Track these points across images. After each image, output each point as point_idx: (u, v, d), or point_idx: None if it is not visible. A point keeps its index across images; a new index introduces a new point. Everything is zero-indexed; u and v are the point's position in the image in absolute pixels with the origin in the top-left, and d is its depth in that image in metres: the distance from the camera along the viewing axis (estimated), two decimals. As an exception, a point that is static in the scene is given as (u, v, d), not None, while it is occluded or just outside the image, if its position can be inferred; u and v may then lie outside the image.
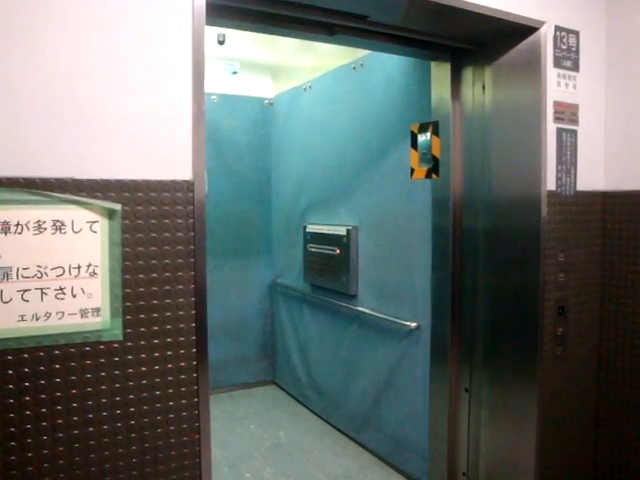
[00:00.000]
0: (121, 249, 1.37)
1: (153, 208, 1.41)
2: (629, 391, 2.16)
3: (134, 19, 1.36)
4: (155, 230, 1.41)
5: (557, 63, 2.05)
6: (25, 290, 1.27)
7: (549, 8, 2.02)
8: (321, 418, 3.60)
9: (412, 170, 2.59)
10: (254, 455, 3.12)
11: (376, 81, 2.90)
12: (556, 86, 2.04)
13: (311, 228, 3.57)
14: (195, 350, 1.48)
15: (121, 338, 1.38)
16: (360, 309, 3.08)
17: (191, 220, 1.46)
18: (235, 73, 3.88)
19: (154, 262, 1.42)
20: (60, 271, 1.31)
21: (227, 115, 4.00)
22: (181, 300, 1.46)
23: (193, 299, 1.47)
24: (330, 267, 3.34)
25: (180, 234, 1.45)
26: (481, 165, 2.22)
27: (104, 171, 1.35)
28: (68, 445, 1.34)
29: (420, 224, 2.57)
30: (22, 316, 1.27)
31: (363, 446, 3.16)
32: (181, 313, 1.46)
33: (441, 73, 2.34)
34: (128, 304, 1.39)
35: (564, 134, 2.08)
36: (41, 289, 1.29)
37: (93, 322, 1.35)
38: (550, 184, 2.03)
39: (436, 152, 2.40)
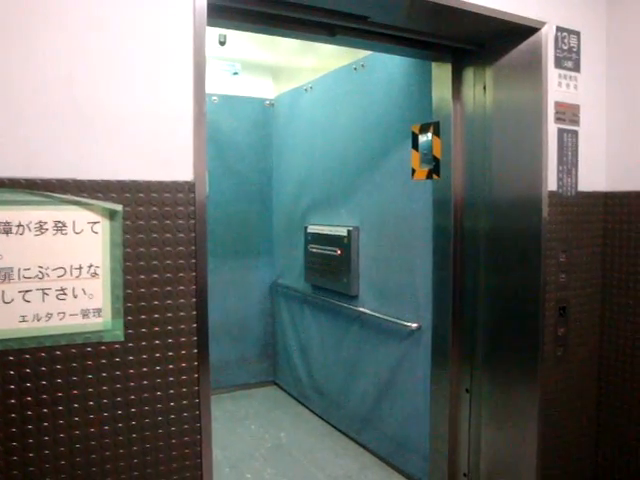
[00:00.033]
0: (122, 250, 1.38)
1: (154, 209, 1.41)
2: (630, 392, 2.16)
3: (136, 19, 1.37)
4: (156, 231, 1.42)
5: (558, 63, 2.05)
6: (26, 291, 1.28)
7: (550, 9, 2.02)
8: (322, 419, 3.60)
9: (413, 171, 2.59)
10: (255, 456, 3.12)
11: (377, 82, 2.90)
12: (557, 86, 2.04)
13: (312, 229, 3.57)
14: (196, 351, 1.48)
15: (122, 339, 1.38)
16: (361, 310, 3.08)
17: (192, 221, 1.46)
18: (236, 74, 3.88)
19: (155, 263, 1.42)
20: (61, 272, 1.31)
21: (228, 116, 4.00)
22: (182, 301, 1.46)
23: (194, 300, 1.47)
24: (331, 268, 3.34)
25: (181, 235, 1.45)
26: (482, 165, 2.22)
27: (105, 172, 1.35)
28: (69, 446, 1.34)
29: (421, 225, 2.57)
30: (23, 317, 1.28)
31: (364, 447, 3.16)
32: (182, 314, 1.46)
33: (442, 74, 2.34)
34: (129, 305, 1.39)
35: (565, 134, 2.08)
36: (42, 290, 1.29)
37: (94, 323, 1.35)
38: (551, 184, 2.03)
39: (437, 153, 2.40)
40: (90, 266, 1.34)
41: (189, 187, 1.45)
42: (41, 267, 1.29)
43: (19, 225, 1.26)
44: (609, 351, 2.23)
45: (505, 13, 1.89)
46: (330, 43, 2.14)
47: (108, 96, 1.34)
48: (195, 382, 1.48)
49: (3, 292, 1.25)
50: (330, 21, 1.86)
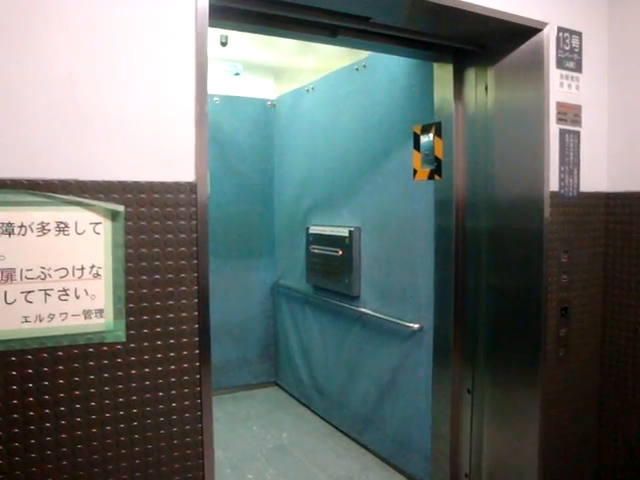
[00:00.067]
0: (124, 250, 1.38)
1: (156, 209, 1.41)
2: (632, 392, 2.16)
3: (137, 20, 1.37)
4: (158, 231, 1.42)
5: (560, 64, 2.04)
6: (29, 291, 1.28)
7: (552, 9, 2.02)
8: (323, 419, 3.60)
9: (415, 171, 2.59)
10: (257, 456, 3.12)
11: (379, 82, 2.90)
12: (559, 87, 2.04)
13: (314, 229, 3.57)
14: (198, 351, 1.48)
15: (124, 339, 1.39)
16: (363, 310, 3.08)
17: (194, 222, 1.46)
18: (237, 74, 3.88)
19: (157, 263, 1.42)
20: (63, 272, 1.31)
21: (229, 116, 4.01)
22: (184, 301, 1.46)
23: (196, 300, 1.47)
24: (333, 268, 3.34)
25: (183, 235, 1.45)
26: (484, 166, 2.21)
27: (107, 172, 1.35)
28: (71, 446, 1.34)
29: (423, 225, 2.57)
30: (26, 317, 1.28)
31: (365, 447, 3.16)
32: (184, 314, 1.46)
33: (444, 74, 2.34)
34: (131, 305, 1.39)
35: (567, 135, 2.07)
36: (45, 290, 1.29)
37: (96, 323, 1.35)
38: (553, 185, 2.03)
39: (439, 153, 2.40)
40: (92, 267, 1.34)
41: (191, 188, 1.45)
42: (43, 268, 1.29)
43: (21, 226, 1.26)
44: (611, 351, 2.22)
45: (506, 14, 1.89)
46: (331, 44, 2.14)
47: (109, 96, 1.34)
48: (197, 383, 1.48)
49: (5, 293, 1.25)
50: (331, 22, 1.86)
